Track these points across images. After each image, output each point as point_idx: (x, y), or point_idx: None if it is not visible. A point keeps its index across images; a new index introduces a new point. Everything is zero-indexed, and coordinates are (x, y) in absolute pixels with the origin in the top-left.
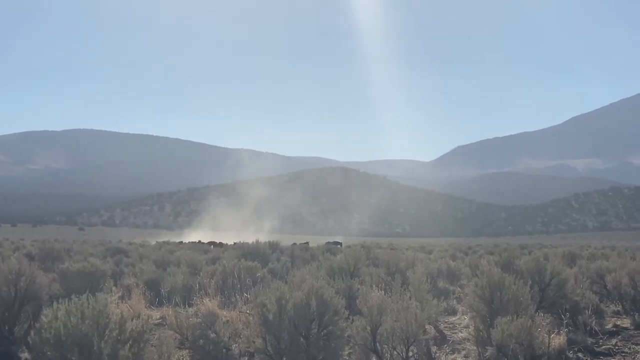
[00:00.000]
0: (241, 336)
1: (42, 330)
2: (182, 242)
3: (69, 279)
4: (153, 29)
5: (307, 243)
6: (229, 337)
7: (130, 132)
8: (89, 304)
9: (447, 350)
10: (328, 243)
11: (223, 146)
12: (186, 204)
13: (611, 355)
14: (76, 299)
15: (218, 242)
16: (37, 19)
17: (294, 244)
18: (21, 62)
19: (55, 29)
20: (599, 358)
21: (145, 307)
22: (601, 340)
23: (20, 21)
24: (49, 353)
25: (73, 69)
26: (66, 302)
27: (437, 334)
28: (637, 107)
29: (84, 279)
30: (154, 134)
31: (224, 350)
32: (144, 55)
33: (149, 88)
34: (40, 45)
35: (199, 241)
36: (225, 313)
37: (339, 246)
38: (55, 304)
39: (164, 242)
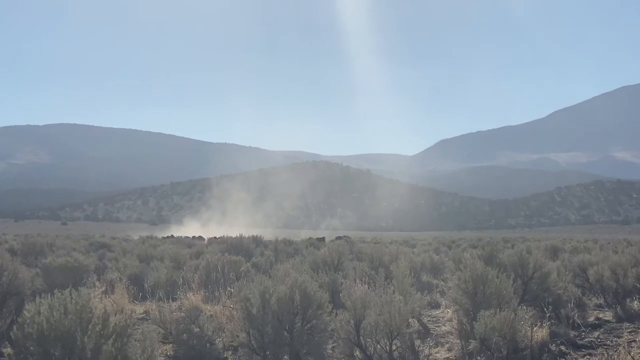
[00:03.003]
0: (225, 330)
1: (25, 325)
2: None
3: (51, 273)
4: (136, 23)
5: (323, 238)
6: (213, 332)
7: (113, 127)
8: (72, 298)
9: (431, 344)
10: (338, 238)
11: (206, 140)
12: (169, 199)
13: (593, 348)
14: (59, 294)
15: (198, 235)
16: (18, 12)
17: (309, 238)
18: (1, 56)
19: (38, 22)
20: (582, 351)
21: (129, 302)
22: (583, 333)
23: (1, 15)
24: (31, 348)
25: (55, 63)
26: (49, 297)
27: (421, 328)
28: (619, 100)
29: (66, 274)
30: (137, 129)
31: (207, 344)
32: (127, 50)
33: (132, 83)
34: (22, 39)
35: (194, 236)
36: (209, 307)
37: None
38: (38, 298)
39: (147, 236)
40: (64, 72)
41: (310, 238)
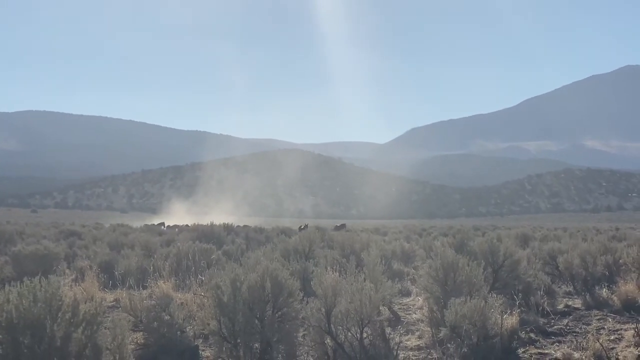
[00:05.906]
0: (195, 318)
1: None
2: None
3: (21, 261)
4: (106, 9)
5: (306, 225)
6: (184, 320)
7: (83, 114)
8: (41, 286)
9: (401, 332)
10: (336, 227)
11: (177, 128)
12: (140, 186)
13: (562, 335)
14: (29, 282)
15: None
16: None
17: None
18: None
19: (5, 8)
20: (551, 338)
21: (99, 290)
22: (553, 321)
23: None
24: (0, 336)
25: (25, 49)
26: (18, 284)
27: (392, 315)
28: (589, 89)
29: (36, 262)
30: (108, 116)
31: (178, 332)
32: (98, 37)
33: (103, 70)
34: None
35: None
36: (179, 295)
37: (344, 228)
38: (7, 286)
39: (118, 224)
40: (34, 58)
41: (307, 225)
